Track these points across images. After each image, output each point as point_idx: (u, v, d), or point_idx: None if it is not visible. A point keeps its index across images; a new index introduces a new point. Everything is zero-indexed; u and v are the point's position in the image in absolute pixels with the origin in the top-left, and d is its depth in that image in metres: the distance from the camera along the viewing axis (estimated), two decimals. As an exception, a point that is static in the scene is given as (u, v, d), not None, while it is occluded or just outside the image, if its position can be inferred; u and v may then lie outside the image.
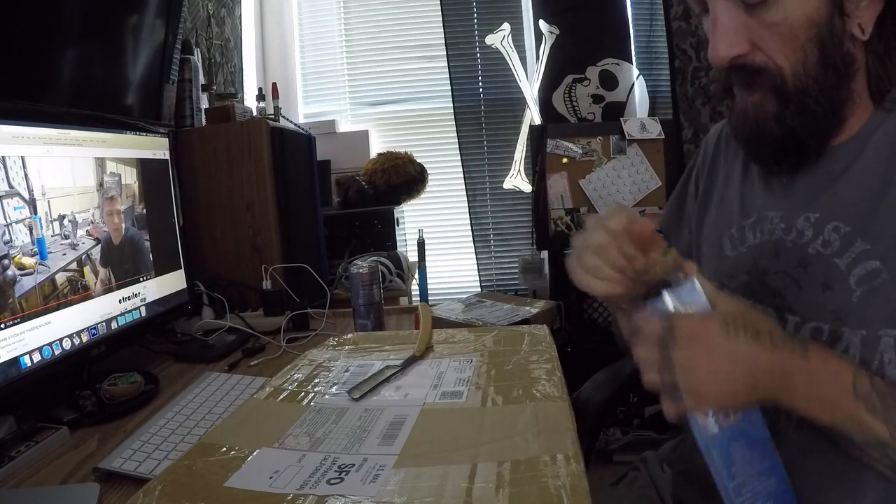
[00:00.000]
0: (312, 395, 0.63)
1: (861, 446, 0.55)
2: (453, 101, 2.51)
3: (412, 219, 2.53)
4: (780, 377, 0.53)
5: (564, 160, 2.22)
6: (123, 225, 1.05)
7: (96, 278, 0.97)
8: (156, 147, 1.17)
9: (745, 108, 0.64)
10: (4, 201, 0.79)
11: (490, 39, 2.43)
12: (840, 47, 0.60)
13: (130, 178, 1.08)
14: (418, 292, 2.09)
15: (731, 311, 0.54)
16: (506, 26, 2.42)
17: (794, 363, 0.53)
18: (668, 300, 0.55)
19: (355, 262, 1.50)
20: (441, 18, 2.48)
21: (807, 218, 0.64)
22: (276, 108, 1.76)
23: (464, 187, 2.55)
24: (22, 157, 0.82)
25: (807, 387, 0.53)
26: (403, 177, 2.25)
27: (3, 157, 0.79)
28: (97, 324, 0.96)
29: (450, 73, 2.50)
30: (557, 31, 2.32)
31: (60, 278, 0.88)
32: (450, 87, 2.51)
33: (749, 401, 0.54)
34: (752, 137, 0.65)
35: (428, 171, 2.36)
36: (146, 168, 1.13)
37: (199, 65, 1.69)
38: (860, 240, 0.59)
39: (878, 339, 0.57)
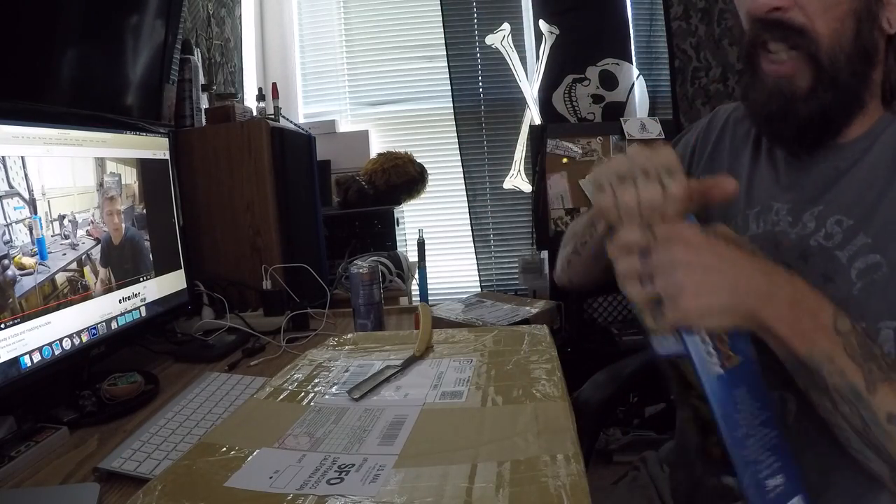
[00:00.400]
0: (312, 395, 0.63)
1: (834, 397, 0.52)
2: (453, 101, 2.51)
3: (412, 219, 2.53)
4: (762, 287, 0.50)
5: (564, 160, 2.22)
6: (123, 225, 1.05)
7: (96, 278, 0.97)
8: (156, 147, 1.17)
9: (777, 84, 0.62)
10: (4, 201, 0.79)
11: (490, 39, 2.44)
12: (871, 31, 0.59)
13: (130, 178, 1.08)
14: (418, 292, 2.09)
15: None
16: (506, 26, 2.42)
17: (777, 277, 0.51)
18: None
19: (355, 262, 1.50)
20: (441, 18, 2.49)
21: (812, 212, 0.64)
22: (276, 108, 1.76)
23: (464, 187, 2.55)
24: (22, 157, 0.82)
25: (788, 308, 0.50)
26: (403, 177, 2.25)
27: (3, 157, 0.79)
28: (97, 324, 0.96)
29: (450, 73, 2.50)
30: (557, 31, 2.33)
31: (60, 278, 0.88)
32: (450, 87, 2.51)
33: (729, 311, 0.50)
34: (776, 115, 0.63)
35: (428, 171, 2.36)
36: (146, 168, 1.13)
37: (199, 65, 1.69)
38: (862, 233, 0.59)
39: (877, 332, 0.57)
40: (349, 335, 0.86)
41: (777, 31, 0.60)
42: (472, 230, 2.58)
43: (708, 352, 0.52)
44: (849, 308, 0.58)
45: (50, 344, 0.85)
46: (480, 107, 2.55)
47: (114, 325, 1.00)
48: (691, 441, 0.69)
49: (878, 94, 0.63)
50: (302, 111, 2.72)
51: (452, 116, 2.53)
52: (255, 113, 1.67)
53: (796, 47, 0.60)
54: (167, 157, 1.20)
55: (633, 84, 2.36)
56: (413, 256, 2.07)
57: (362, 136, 2.56)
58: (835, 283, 0.60)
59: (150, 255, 1.13)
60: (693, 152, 0.82)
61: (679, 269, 0.49)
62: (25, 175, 0.83)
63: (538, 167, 2.24)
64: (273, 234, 1.47)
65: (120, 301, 1.03)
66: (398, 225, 2.21)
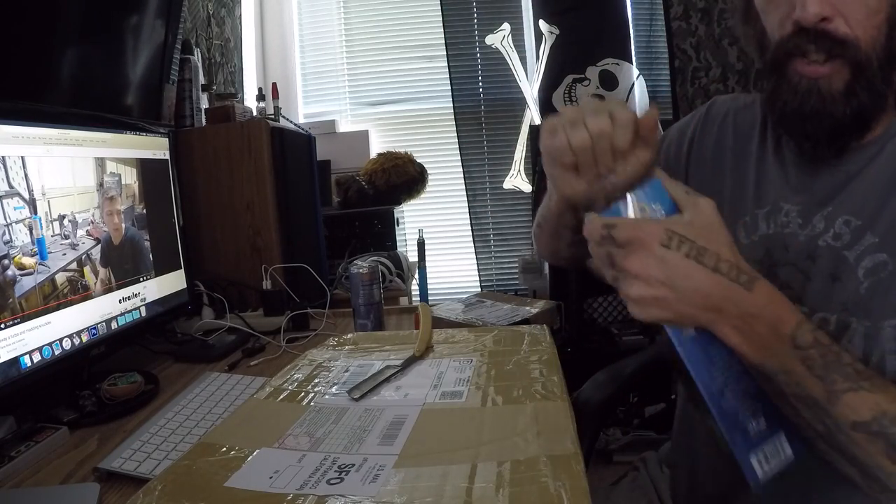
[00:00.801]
0: (312, 395, 0.63)
1: (794, 403, 0.52)
2: (453, 101, 2.51)
3: (412, 219, 2.53)
4: (713, 303, 0.49)
5: (564, 160, 2.21)
6: (123, 225, 1.05)
7: (96, 278, 0.97)
8: (156, 147, 1.17)
9: (815, 84, 0.61)
10: (4, 201, 0.79)
11: (490, 39, 2.44)
12: None
13: (130, 178, 1.08)
14: (418, 292, 2.09)
15: (686, 222, 0.50)
16: (506, 26, 2.42)
17: (732, 292, 0.50)
18: (630, 202, 0.53)
19: (355, 262, 1.50)
20: (441, 18, 2.49)
21: (822, 214, 0.64)
22: (276, 108, 1.76)
23: (464, 187, 2.55)
24: (22, 157, 0.82)
25: (740, 320, 0.50)
26: (403, 177, 2.25)
27: (3, 157, 0.79)
28: (97, 324, 0.96)
29: (450, 73, 2.50)
30: (557, 31, 2.33)
31: (60, 278, 0.88)
32: (450, 87, 2.51)
33: (681, 318, 0.50)
34: (811, 115, 0.62)
35: (428, 171, 2.36)
36: (146, 168, 1.13)
37: (199, 65, 1.69)
38: (869, 233, 0.60)
39: (880, 331, 0.57)
40: (349, 335, 0.86)
41: (821, 42, 0.60)
42: (472, 230, 2.58)
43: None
44: (856, 307, 0.59)
45: (50, 344, 0.85)
46: (480, 107, 2.55)
47: (114, 325, 1.00)
48: (682, 390, 0.71)
49: (892, 101, 0.63)
50: (302, 111, 2.72)
51: (452, 116, 2.53)
52: (255, 113, 1.67)
53: (836, 56, 0.60)
54: (167, 157, 1.20)
55: (633, 84, 2.36)
56: (413, 256, 2.07)
57: (362, 136, 2.56)
58: (842, 283, 0.60)
59: (150, 255, 1.13)
60: (692, 140, 0.81)
61: (633, 269, 0.50)
62: (25, 175, 0.83)
63: (538, 167, 2.24)
64: (273, 234, 1.47)
65: (120, 301, 1.02)
66: (398, 225, 2.21)
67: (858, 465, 0.52)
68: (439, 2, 2.48)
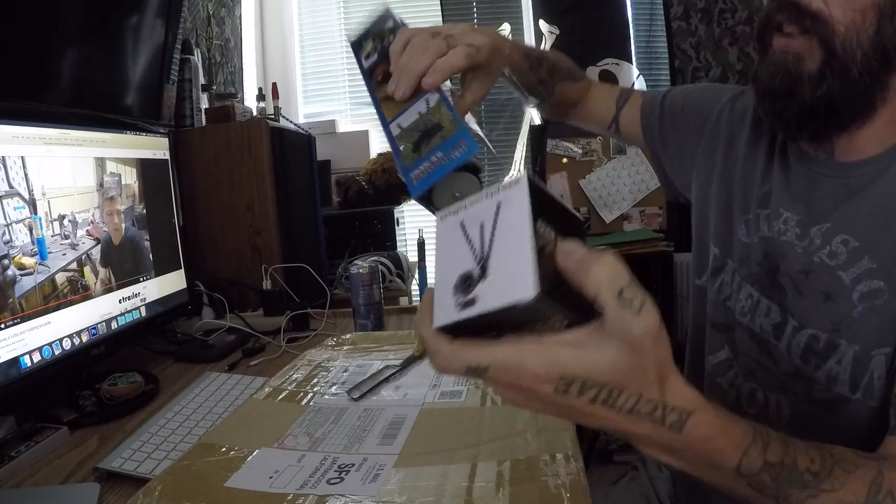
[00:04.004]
0: (311, 395, 0.63)
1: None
2: (453, 101, 2.51)
3: (412, 219, 2.53)
4: (628, 434, 0.39)
5: (564, 160, 2.22)
6: (123, 225, 1.05)
7: (96, 278, 0.97)
8: (156, 147, 1.17)
9: (784, 60, 0.59)
10: (4, 201, 0.79)
11: (490, 39, 2.43)
12: (893, 33, 0.56)
13: (130, 178, 1.08)
14: (418, 292, 2.09)
15: (589, 357, 0.34)
16: (506, 26, 2.42)
17: (653, 431, 0.38)
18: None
19: (355, 262, 1.50)
20: (441, 18, 2.49)
21: (820, 228, 0.62)
22: (276, 108, 1.76)
23: (464, 187, 2.55)
24: (22, 157, 0.82)
25: (666, 452, 0.40)
26: (403, 177, 2.25)
27: (3, 157, 0.79)
28: (97, 324, 0.96)
29: (450, 73, 2.50)
30: (557, 31, 2.33)
31: (60, 278, 0.88)
32: (450, 87, 2.51)
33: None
34: (780, 92, 0.60)
35: (428, 171, 2.36)
36: (146, 168, 1.13)
37: (199, 65, 1.69)
38: (867, 257, 0.57)
39: (870, 359, 0.56)
40: (347, 335, 0.86)
41: (791, 13, 0.58)
42: (472, 230, 2.58)
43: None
44: (847, 329, 0.57)
45: (50, 344, 0.85)
46: (480, 106, 2.55)
47: (114, 325, 1.00)
48: None
49: None
50: (302, 111, 2.72)
51: (452, 116, 2.53)
52: (255, 113, 1.67)
53: (809, 31, 0.57)
54: (167, 157, 1.20)
55: (633, 84, 2.36)
56: (413, 256, 2.07)
57: (362, 136, 2.56)
58: (835, 303, 0.59)
59: (150, 255, 1.13)
60: (703, 126, 0.79)
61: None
62: (25, 175, 0.83)
63: (538, 167, 2.24)
64: (273, 234, 1.47)
65: (120, 301, 1.03)
66: (398, 225, 2.21)
67: None
68: (439, 2, 2.48)
